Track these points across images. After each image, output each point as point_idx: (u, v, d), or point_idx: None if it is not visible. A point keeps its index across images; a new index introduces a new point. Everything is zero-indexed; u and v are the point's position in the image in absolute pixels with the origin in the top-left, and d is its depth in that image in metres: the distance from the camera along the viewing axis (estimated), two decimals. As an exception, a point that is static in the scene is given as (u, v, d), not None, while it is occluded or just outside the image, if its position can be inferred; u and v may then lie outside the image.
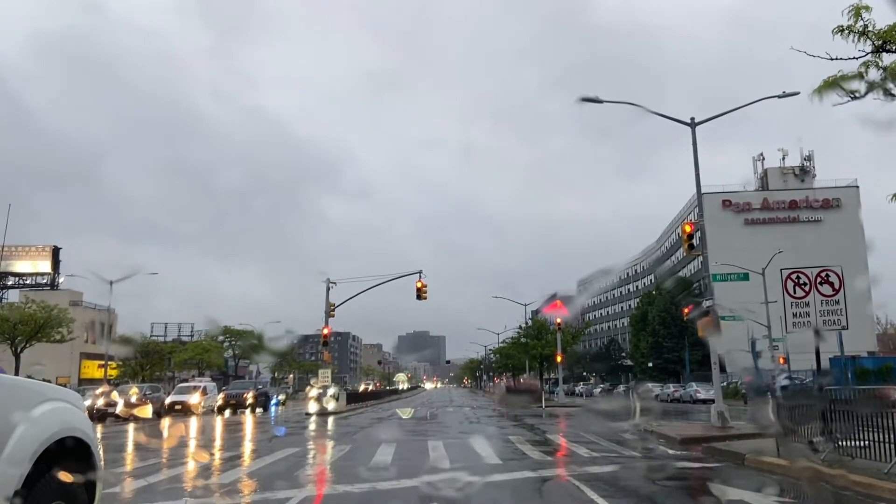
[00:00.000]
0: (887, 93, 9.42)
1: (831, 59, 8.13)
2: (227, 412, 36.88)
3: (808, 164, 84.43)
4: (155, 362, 60.66)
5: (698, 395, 48.16)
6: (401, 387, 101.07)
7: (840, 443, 10.74)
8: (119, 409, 31.09)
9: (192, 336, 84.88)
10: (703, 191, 21.59)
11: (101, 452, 4.18)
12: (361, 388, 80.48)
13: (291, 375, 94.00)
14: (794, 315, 13.07)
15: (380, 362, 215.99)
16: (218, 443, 19.04)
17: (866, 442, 10.32)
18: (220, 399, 38.45)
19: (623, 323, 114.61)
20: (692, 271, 79.35)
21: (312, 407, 37.30)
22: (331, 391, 60.46)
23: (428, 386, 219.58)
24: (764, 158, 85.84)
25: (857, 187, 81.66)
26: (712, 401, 23.37)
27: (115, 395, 31.97)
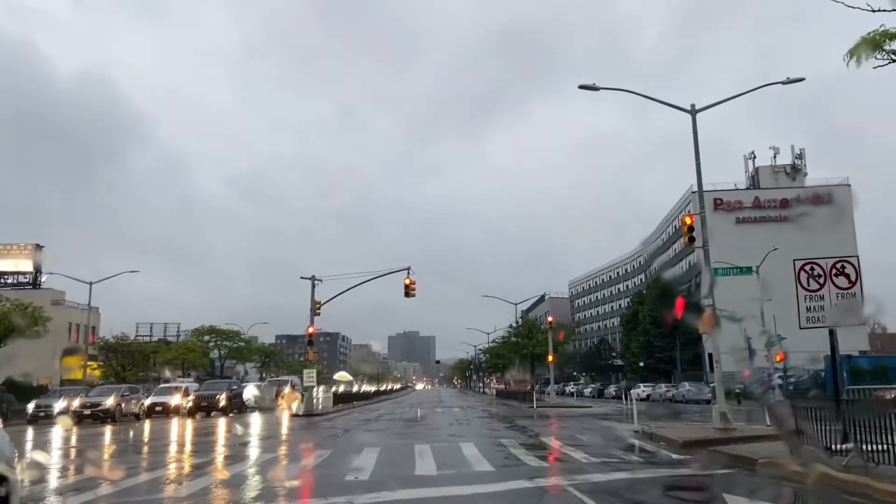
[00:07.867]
0: None
1: (873, 11, 7.17)
2: (199, 415, 34.81)
3: (799, 161, 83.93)
4: (138, 362, 59.21)
5: (691, 394, 47.64)
6: (373, 389, 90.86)
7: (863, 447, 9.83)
8: None
9: (177, 336, 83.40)
10: (694, 189, 20.71)
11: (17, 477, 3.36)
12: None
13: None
14: (808, 309, 12.13)
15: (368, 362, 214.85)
16: (188, 448, 17.90)
17: (888, 445, 9.43)
18: (190, 401, 35.81)
19: (614, 322, 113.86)
20: (690, 264, 78.57)
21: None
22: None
23: (419, 386, 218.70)
24: (755, 157, 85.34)
25: (849, 185, 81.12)
26: (706, 401, 22.55)
27: None
